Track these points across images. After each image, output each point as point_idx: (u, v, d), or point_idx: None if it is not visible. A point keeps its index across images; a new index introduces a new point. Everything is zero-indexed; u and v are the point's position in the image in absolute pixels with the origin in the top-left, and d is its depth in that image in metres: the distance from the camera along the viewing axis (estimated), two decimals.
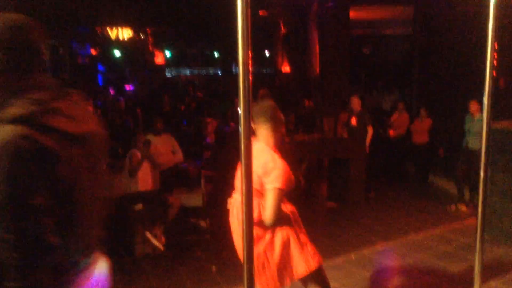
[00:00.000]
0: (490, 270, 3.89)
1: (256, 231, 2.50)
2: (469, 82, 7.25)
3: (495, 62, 3.21)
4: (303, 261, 2.59)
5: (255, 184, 2.53)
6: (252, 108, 2.68)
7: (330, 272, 4.01)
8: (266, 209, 2.49)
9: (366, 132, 7.50)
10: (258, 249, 2.52)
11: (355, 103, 7.69)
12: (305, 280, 2.64)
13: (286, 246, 2.58)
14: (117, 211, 5.78)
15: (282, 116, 2.74)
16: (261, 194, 2.57)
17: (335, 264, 4.25)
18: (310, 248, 2.66)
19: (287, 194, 2.77)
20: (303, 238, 2.69)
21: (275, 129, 2.69)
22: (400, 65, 13.25)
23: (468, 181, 6.99)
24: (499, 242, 4.63)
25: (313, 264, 2.60)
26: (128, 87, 15.38)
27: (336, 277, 3.95)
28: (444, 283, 3.83)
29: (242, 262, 2.72)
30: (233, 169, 2.89)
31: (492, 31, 3.15)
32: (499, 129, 4.75)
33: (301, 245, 2.62)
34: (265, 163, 2.52)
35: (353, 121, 7.70)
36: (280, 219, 2.57)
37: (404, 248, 4.60)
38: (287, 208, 2.70)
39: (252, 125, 2.68)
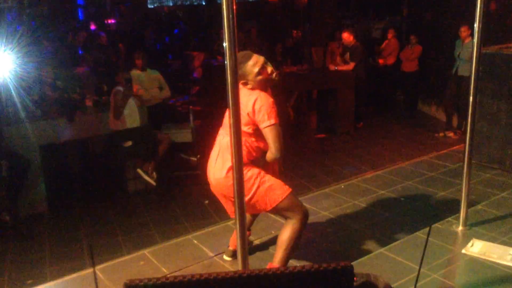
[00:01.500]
0: (477, 194, 3.98)
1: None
2: (461, 7, 7.08)
3: None
4: (276, 190, 2.69)
5: (244, 124, 2.56)
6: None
7: (320, 201, 4.11)
8: (271, 146, 2.59)
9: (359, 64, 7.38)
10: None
11: (345, 37, 7.53)
12: (278, 209, 2.71)
13: (261, 179, 2.70)
14: (107, 149, 5.77)
15: (264, 70, 2.74)
16: (248, 134, 2.65)
17: (325, 193, 4.32)
18: (278, 181, 2.76)
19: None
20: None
21: (259, 84, 2.72)
22: None
23: (457, 108, 7.02)
24: (486, 167, 4.72)
25: (285, 191, 2.68)
26: (110, 21, 14.84)
27: (326, 205, 4.03)
28: (431, 208, 3.94)
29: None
30: (221, 103, 2.85)
31: None
32: (489, 53, 4.69)
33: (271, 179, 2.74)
34: (254, 102, 2.59)
35: (347, 56, 7.56)
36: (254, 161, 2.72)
37: (393, 176, 4.68)
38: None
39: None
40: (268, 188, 2.68)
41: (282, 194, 2.68)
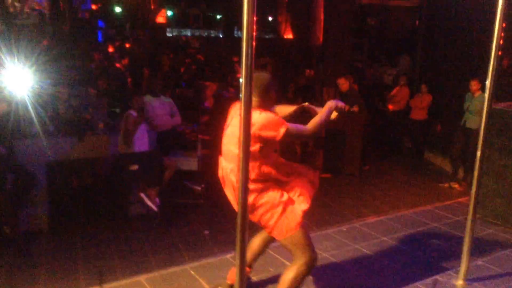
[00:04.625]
0: (479, 249, 3.94)
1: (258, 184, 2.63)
2: (472, 61, 7.18)
3: (501, 41, 3.17)
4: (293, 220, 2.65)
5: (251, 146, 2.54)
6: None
7: (321, 242, 4.08)
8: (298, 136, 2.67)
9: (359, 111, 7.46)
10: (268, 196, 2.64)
11: (340, 83, 7.66)
12: (293, 240, 2.68)
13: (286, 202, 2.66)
14: (113, 171, 5.80)
15: (274, 94, 2.73)
16: (255, 155, 2.58)
17: (326, 234, 4.30)
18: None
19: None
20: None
21: (264, 105, 2.66)
22: (404, 39, 13.07)
23: (463, 160, 7.02)
24: (490, 223, 4.69)
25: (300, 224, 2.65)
26: (129, 45, 15.17)
27: (326, 247, 4.00)
28: (432, 259, 3.89)
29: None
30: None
31: (501, 10, 3.10)
32: (498, 109, 4.73)
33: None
34: (256, 122, 2.51)
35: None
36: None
37: (395, 223, 4.65)
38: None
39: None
40: (285, 215, 2.63)
41: (298, 225, 2.64)
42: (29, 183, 4.80)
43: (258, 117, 2.53)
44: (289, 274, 2.65)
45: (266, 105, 2.70)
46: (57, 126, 5.34)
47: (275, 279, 3.31)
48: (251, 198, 2.60)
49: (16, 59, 4.97)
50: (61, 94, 5.75)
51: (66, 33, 13.56)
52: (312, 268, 2.67)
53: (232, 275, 3.15)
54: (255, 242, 3.07)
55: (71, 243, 4.66)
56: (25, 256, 4.35)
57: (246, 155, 2.14)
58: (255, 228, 2.78)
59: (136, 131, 5.44)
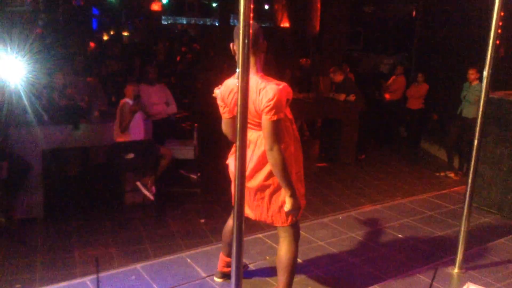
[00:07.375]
0: (474, 238, 3.96)
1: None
2: (470, 50, 7.16)
3: (499, 30, 3.15)
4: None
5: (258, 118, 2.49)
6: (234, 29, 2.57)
7: (316, 230, 4.09)
8: (265, 138, 2.45)
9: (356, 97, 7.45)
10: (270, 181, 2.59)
11: (332, 75, 7.66)
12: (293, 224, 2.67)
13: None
14: (108, 160, 5.77)
15: (264, 43, 2.57)
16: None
17: (322, 223, 4.31)
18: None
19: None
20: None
21: (256, 52, 2.50)
22: (401, 28, 13.03)
23: (459, 149, 7.04)
24: (485, 211, 4.71)
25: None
26: (123, 33, 15.06)
27: (322, 235, 4.01)
28: (428, 247, 3.91)
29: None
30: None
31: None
32: (495, 98, 4.73)
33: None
34: (258, 97, 2.43)
35: (333, 94, 7.71)
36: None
37: (391, 211, 4.66)
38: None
39: (234, 47, 2.52)
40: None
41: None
42: (24, 171, 4.78)
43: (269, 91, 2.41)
44: (288, 255, 2.64)
45: (259, 57, 2.54)
46: (51, 114, 5.30)
47: (272, 267, 3.33)
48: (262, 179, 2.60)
49: (9, 48, 4.91)
50: (55, 83, 5.71)
51: (60, 21, 13.42)
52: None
53: (222, 262, 3.15)
54: (228, 229, 2.99)
55: (67, 231, 4.65)
56: (21, 245, 4.33)
57: (243, 142, 2.12)
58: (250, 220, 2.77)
59: (132, 120, 5.40)
